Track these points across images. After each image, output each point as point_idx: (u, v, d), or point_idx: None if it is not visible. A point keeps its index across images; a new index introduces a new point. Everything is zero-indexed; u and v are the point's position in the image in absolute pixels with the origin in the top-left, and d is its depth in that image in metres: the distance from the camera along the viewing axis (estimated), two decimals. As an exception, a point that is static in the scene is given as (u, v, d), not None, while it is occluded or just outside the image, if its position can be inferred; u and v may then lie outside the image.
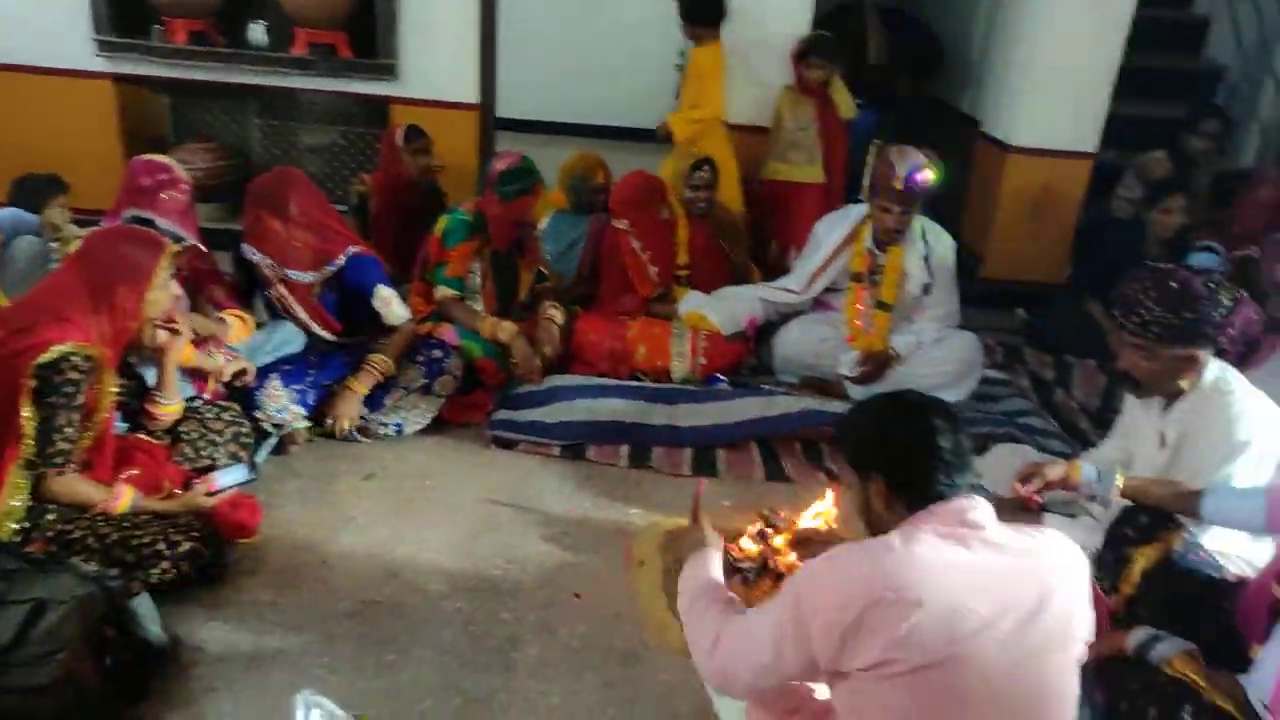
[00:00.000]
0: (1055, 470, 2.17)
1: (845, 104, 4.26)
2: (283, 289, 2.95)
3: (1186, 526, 2.02)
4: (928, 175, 3.22)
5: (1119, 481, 2.11)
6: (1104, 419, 3.24)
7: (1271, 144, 4.79)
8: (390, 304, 3.02)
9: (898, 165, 3.20)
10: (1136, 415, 2.42)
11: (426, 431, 3.06)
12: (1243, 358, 2.85)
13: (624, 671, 2.13)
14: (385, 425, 2.99)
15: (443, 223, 3.32)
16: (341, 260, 2.98)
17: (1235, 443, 2.09)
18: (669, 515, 2.71)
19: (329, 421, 2.91)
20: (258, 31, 4.31)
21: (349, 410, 2.92)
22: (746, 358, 3.62)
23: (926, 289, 3.45)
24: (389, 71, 4.29)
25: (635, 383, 3.39)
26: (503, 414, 3.11)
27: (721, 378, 3.49)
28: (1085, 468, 2.16)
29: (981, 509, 1.42)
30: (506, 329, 3.26)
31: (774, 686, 1.46)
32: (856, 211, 3.54)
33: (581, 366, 3.44)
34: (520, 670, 2.11)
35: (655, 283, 3.57)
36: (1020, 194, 4.53)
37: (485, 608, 2.30)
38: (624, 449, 3.04)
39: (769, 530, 2.44)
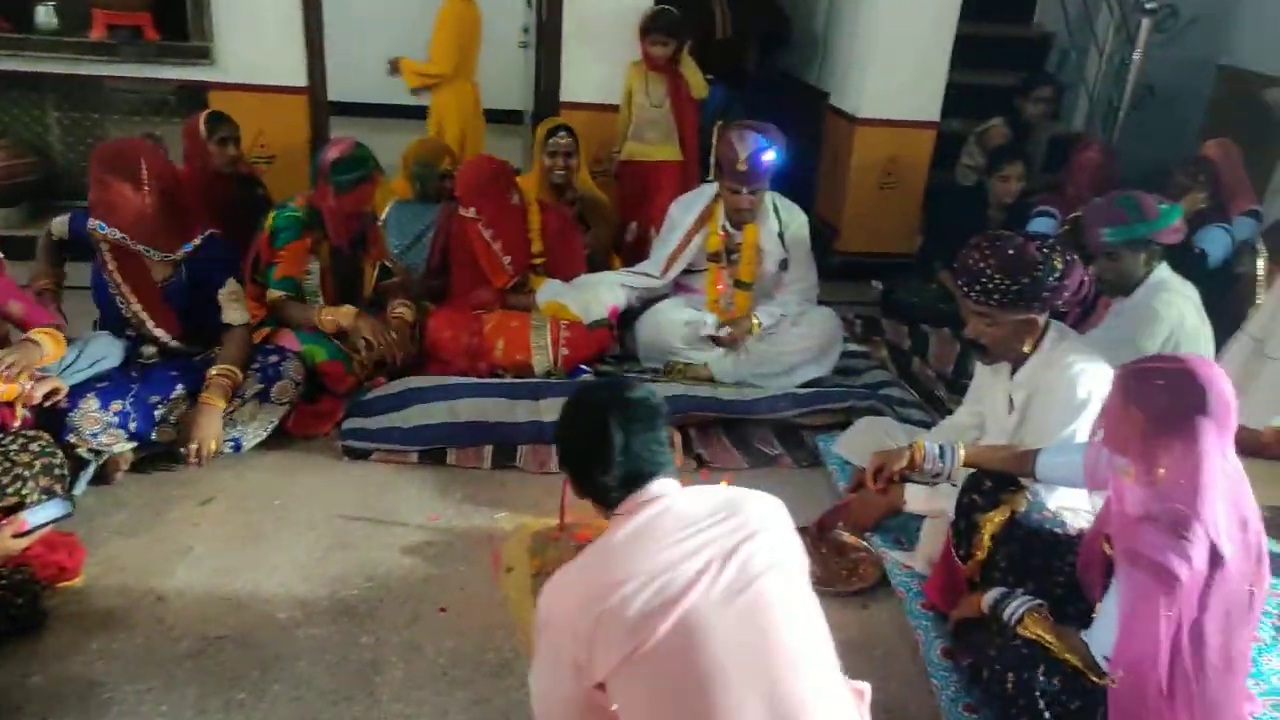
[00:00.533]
0: (899, 462, 2.30)
1: (696, 82, 4.30)
2: (119, 277, 2.74)
3: (1029, 488, 2.14)
4: (770, 155, 3.29)
5: (960, 453, 2.23)
6: (960, 385, 3.42)
7: (1098, 108, 5.14)
8: (238, 300, 2.88)
9: (739, 147, 3.26)
10: (986, 381, 2.55)
11: (269, 446, 2.93)
12: (1082, 318, 3.08)
13: (496, 684, 2.10)
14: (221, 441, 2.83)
15: (271, 219, 3.17)
16: (198, 240, 2.79)
17: (1076, 402, 2.21)
18: (537, 516, 2.69)
19: (191, 447, 2.69)
20: (46, 14, 3.99)
21: (212, 429, 2.72)
22: (610, 346, 3.63)
23: (784, 264, 3.54)
24: (204, 55, 4.06)
25: (495, 379, 3.34)
26: (353, 422, 3.02)
27: (586, 368, 3.49)
28: (928, 447, 2.27)
29: (666, 484, 1.54)
30: (345, 313, 3.14)
31: (579, 712, 1.48)
32: (709, 191, 3.59)
33: (437, 366, 3.37)
34: (384, 695, 2.05)
35: (509, 273, 3.52)
36: (871, 165, 4.71)
37: (343, 632, 2.22)
38: (487, 450, 3.00)
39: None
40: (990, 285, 2.21)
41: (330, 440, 3.00)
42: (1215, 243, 3.73)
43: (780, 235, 3.50)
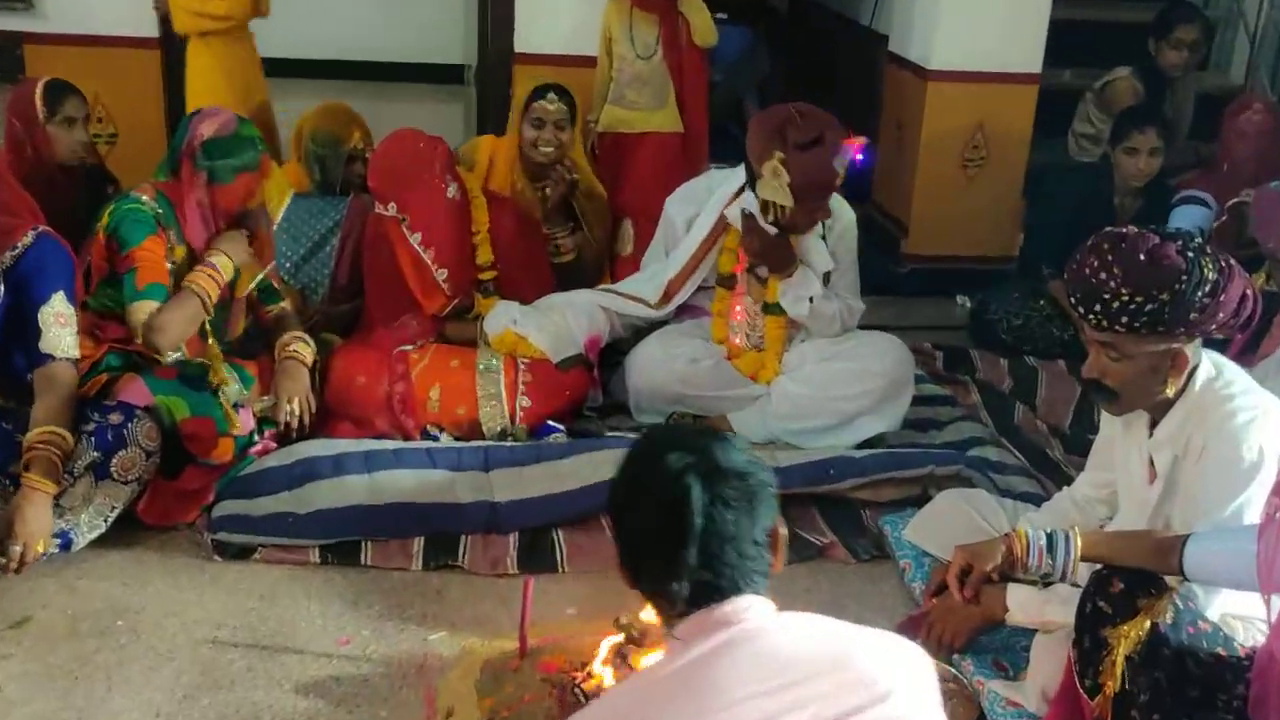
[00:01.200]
0: (994, 558, 2.28)
1: (701, 24, 4.34)
2: None
3: (1178, 590, 2.11)
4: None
5: (1078, 543, 2.21)
6: (1082, 442, 3.40)
7: (1265, 56, 5.20)
8: (65, 326, 2.86)
9: (838, 164, 3.28)
10: (1116, 438, 2.54)
11: (111, 541, 2.91)
12: (1248, 347, 3.07)
13: None
14: (43, 538, 2.81)
15: (107, 215, 3.14)
16: (28, 239, 2.80)
17: (1244, 465, 2.17)
18: (487, 637, 2.67)
19: (14, 549, 2.63)
20: None
21: (41, 523, 2.68)
22: (589, 393, 3.63)
23: (826, 278, 3.55)
24: (17, -6, 4.11)
25: (430, 443, 3.33)
26: (229, 506, 3.01)
27: (557, 426, 3.48)
28: (1032, 535, 2.25)
29: (752, 605, 1.48)
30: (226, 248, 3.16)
31: None
32: (725, 186, 3.59)
33: (346, 426, 3.37)
34: None
35: (447, 294, 3.53)
36: (950, 136, 4.75)
37: (215, 808, 2.20)
38: (417, 543, 2.99)
39: (631, 647, 2.43)
40: (1116, 305, 2.20)
41: (197, 532, 2.98)
42: None
43: (824, 238, 3.53)
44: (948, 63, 4.69)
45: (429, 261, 3.48)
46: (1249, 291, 2.25)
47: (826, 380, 3.53)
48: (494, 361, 3.49)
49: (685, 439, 1.58)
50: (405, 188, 3.43)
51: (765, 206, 3.38)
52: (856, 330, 3.66)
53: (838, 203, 3.59)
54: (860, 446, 3.46)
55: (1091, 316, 2.24)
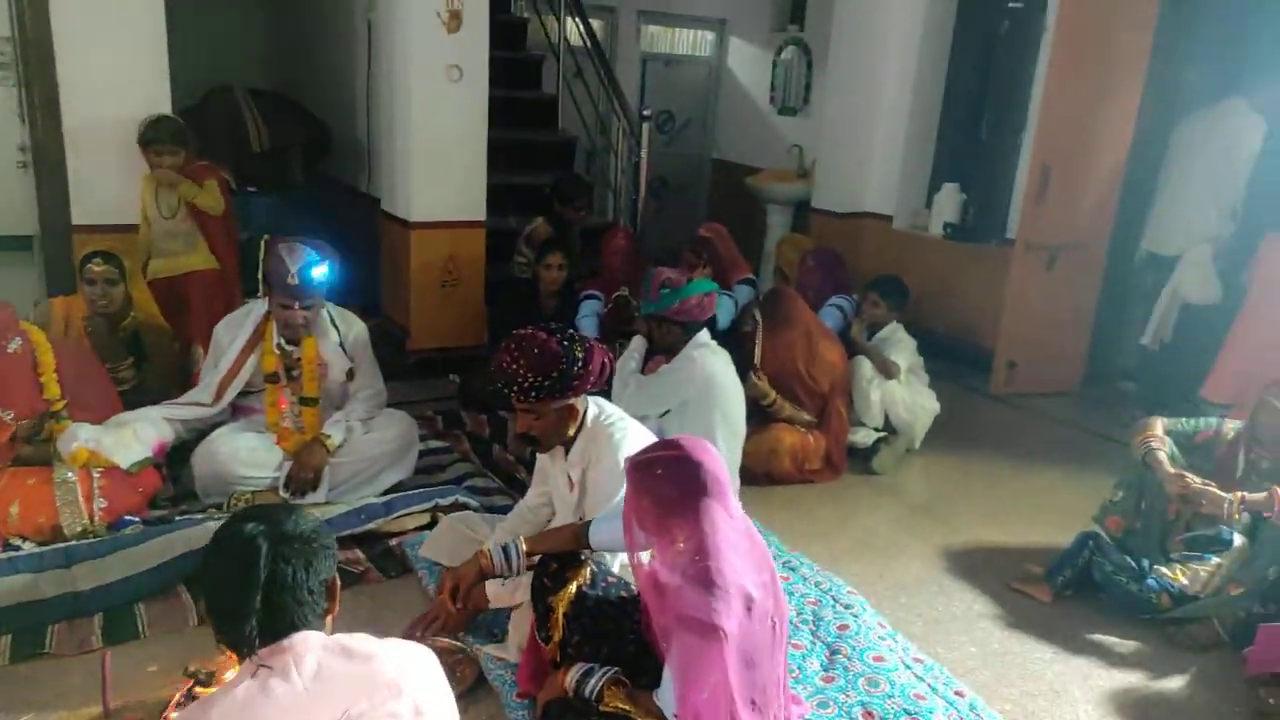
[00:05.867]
0: (470, 576, 2.26)
1: (206, 203, 3.94)
2: None
3: (592, 559, 2.18)
4: (322, 269, 3.16)
5: (523, 547, 2.24)
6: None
7: (623, 201, 5.62)
8: None
9: (289, 261, 3.10)
10: (547, 465, 2.61)
11: None
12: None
13: None
14: None
15: None
16: None
17: (621, 468, 2.21)
18: (73, 709, 2.22)
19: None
20: None
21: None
22: (160, 487, 3.19)
23: (350, 375, 3.39)
24: None
25: (12, 553, 2.75)
26: None
27: (133, 518, 3.00)
28: (493, 552, 2.25)
29: (307, 639, 1.38)
30: None
31: None
32: (258, 309, 3.35)
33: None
34: None
35: (9, 426, 2.98)
36: (430, 265, 4.71)
37: None
38: (3, 642, 2.48)
39: (199, 689, 2.09)
40: (526, 384, 2.29)
41: None
42: (721, 309, 4.13)
43: (341, 345, 3.36)
44: (423, 216, 4.64)
45: (-7, 404, 2.89)
46: (606, 360, 2.40)
47: (359, 450, 3.33)
48: (69, 475, 2.96)
49: (265, 513, 1.44)
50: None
51: None
52: (376, 409, 3.48)
53: (349, 316, 3.43)
54: (385, 493, 3.29)
55: (514, 394, 2.32)
